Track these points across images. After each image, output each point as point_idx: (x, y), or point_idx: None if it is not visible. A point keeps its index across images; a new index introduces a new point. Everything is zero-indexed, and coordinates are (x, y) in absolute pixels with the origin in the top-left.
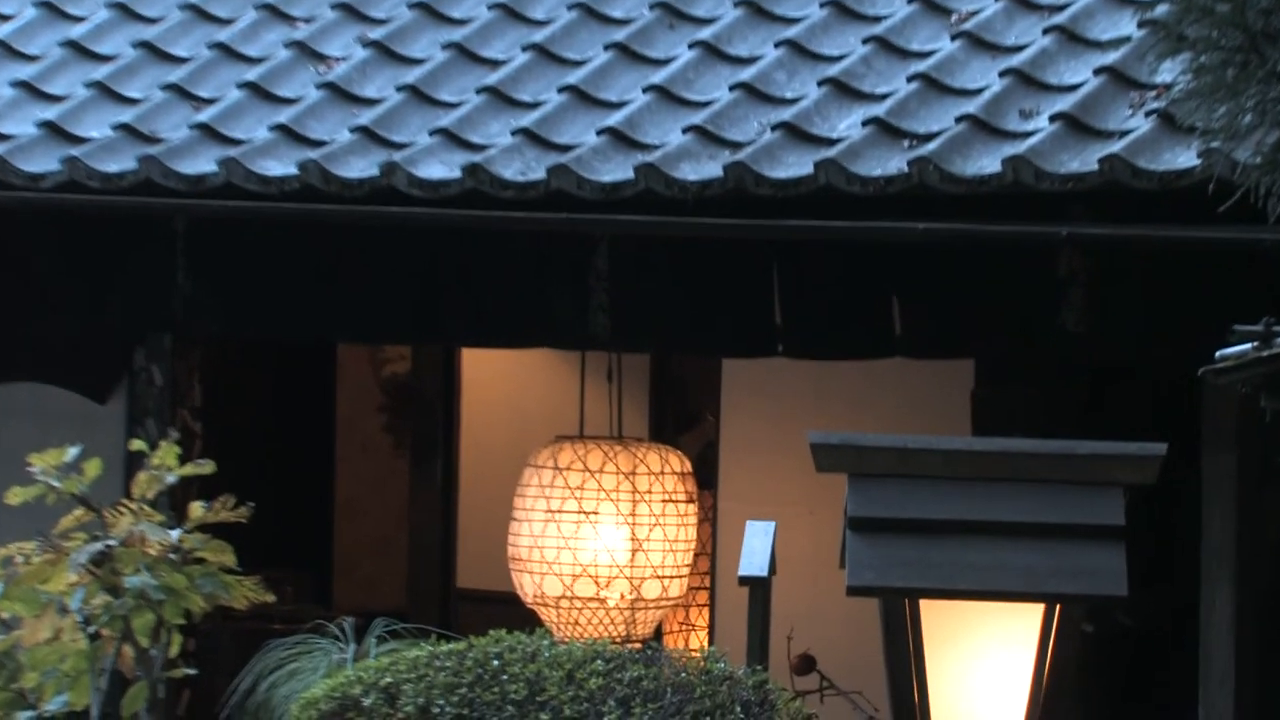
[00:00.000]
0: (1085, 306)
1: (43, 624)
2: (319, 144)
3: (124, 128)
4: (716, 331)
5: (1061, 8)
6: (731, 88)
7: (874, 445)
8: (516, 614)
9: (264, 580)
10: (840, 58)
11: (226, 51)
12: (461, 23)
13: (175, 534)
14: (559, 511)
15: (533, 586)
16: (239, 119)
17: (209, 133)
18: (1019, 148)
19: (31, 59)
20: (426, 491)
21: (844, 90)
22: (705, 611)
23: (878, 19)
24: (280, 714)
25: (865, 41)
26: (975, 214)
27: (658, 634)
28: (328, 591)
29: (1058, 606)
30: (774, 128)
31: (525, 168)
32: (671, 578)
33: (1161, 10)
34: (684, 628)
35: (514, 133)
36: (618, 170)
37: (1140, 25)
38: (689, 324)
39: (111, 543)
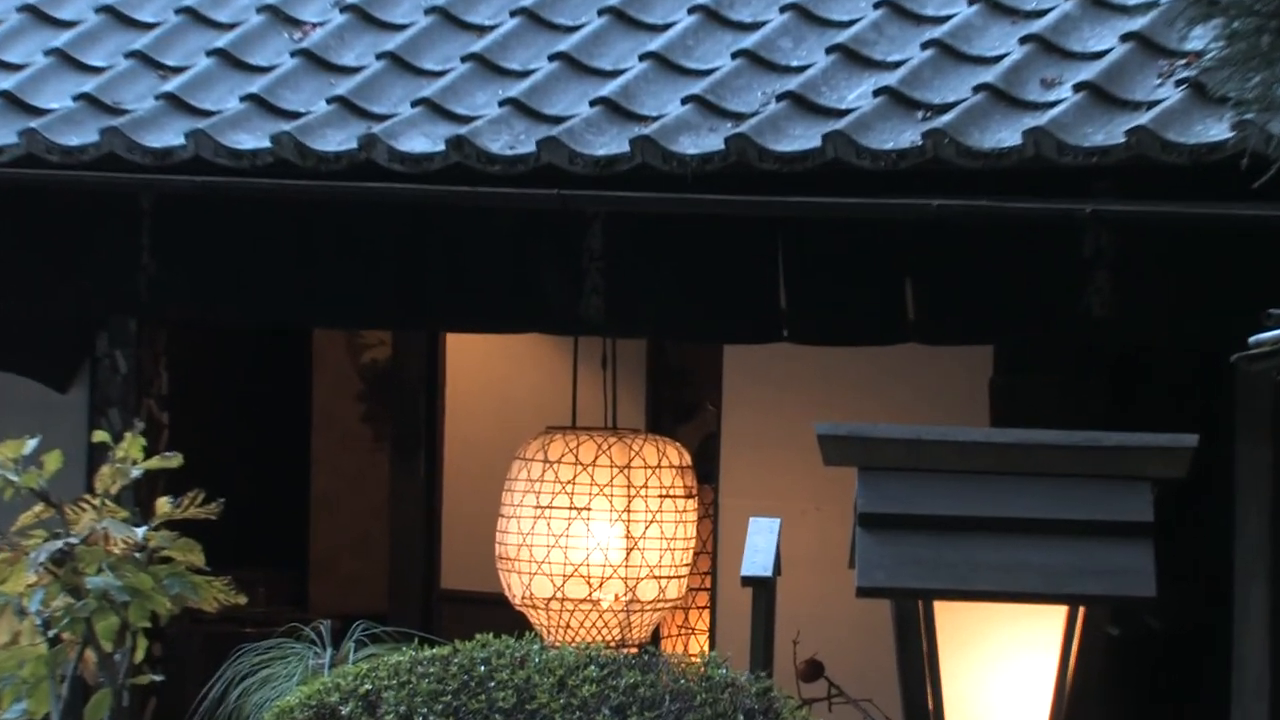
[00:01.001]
0: (1111, 289)
1: None
2: (293, 115)
3: (86, 98)
4: (718, 316)
5: None
6: (734, 55)
7: (885, 437)
8: (504, 616)
9: (235, 581)
10: (850, 23)
11: (195, 17)
12: None
13: (141, 531)
14: (549, 507)
15: (521, 587)
16: (208, 89)
17: (176, 103)
18: (1040, 119)
19: None
20: (408, 486)
21: (853, 58)
22: (705, 614)
23: None
24: None
25: (876, 6)
26: (993, 190)
27: (655, 638)
28: (303, 593)
29: (1081, 608)
30: (779, 98)
31: (513, 141)
32: (669, 578)
33: None
34: (683, 631)
35: (501, 103)
36: (612, 143)
37: None
38: (688, 308)
39: (73, 541)
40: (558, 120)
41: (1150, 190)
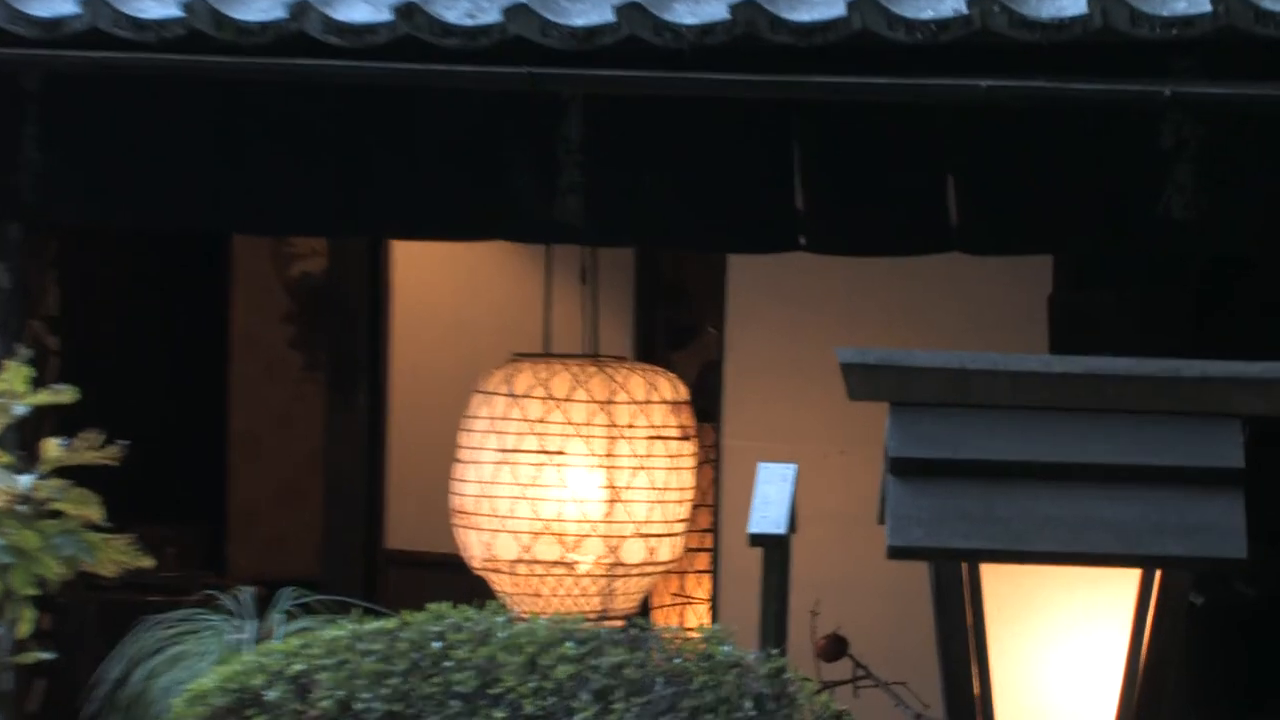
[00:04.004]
0: (1195, 187)
1: None
2: None
3: None
4: (721, 220)
5: None
6: None
7: (923, 366)
8: (462, 582)
9: (139, 540)
10: None
11: None
12: None
13: (26, 480)
14: (515, 451)
15: (482, 548)
16: None
17: None
18: None
19: None
20: (346, 425)
21: None
22: (705, 580)
23: None
24: (160, 710)
25: None
26: (1053, 69)
27: (644, 609)
28: (220, 554)
29: (1159, 572)
30: None
31: (474, 8)
32: (661, 536)
33: None
34: (678, 601)
35: None
36: (593, 12)
37: None
38: (685, 210)
39: None
40: None
41: (1242, 69)
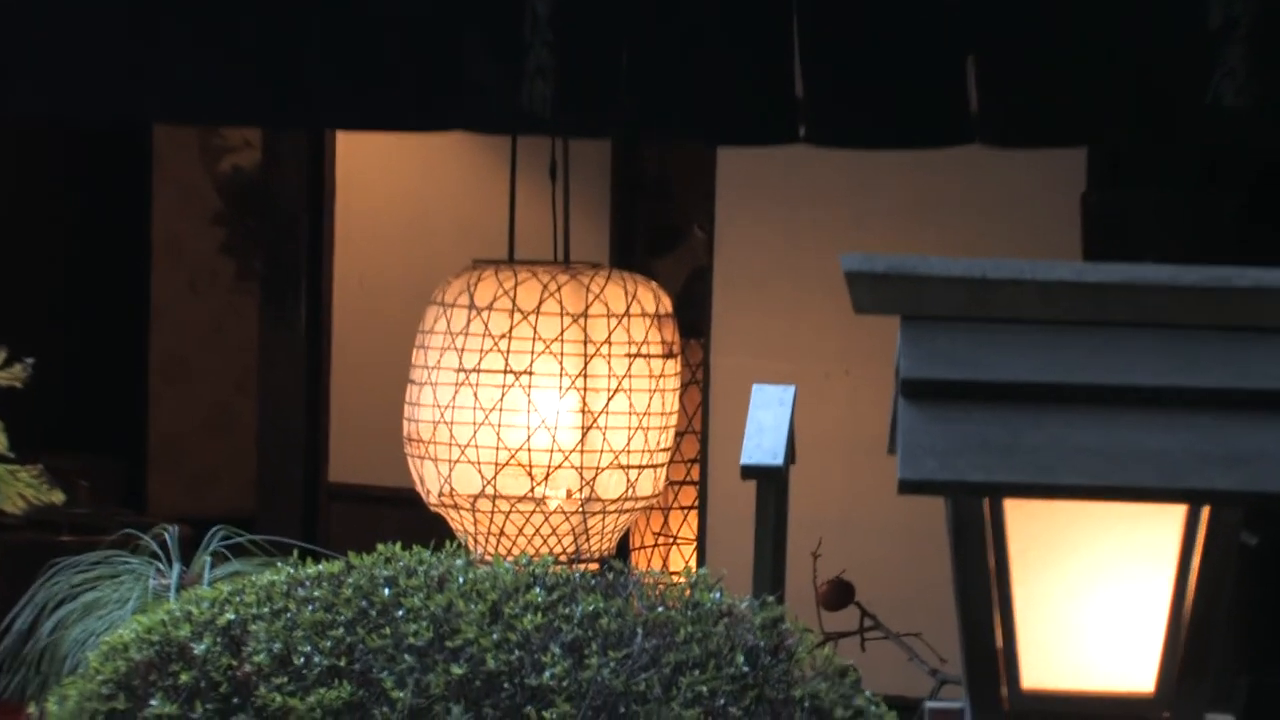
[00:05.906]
0: (1247, 72)
1: None
2: None
3: None
4: (709, 108)
5: None
6: None
7: (939, 275)
8: (415, 520)
9: (47, 471)
10: None
11: None
12: None
13: None
14: (476, 370)
15: (438, 481)
16: None
17: None
18: None
19: None
20: (284, 342)
21: None
22: (692, 517)
23: None
24: (73, 664)
25: None
26: None
27: (623, 550)
28: (140, 488)
29: (1205, 508)
30: None
31: None
32: (641, 468)
33: None
34: (661, 541)
35: None
36: None
37: None
38: (668, 96)
39: None
40: None
41: None
